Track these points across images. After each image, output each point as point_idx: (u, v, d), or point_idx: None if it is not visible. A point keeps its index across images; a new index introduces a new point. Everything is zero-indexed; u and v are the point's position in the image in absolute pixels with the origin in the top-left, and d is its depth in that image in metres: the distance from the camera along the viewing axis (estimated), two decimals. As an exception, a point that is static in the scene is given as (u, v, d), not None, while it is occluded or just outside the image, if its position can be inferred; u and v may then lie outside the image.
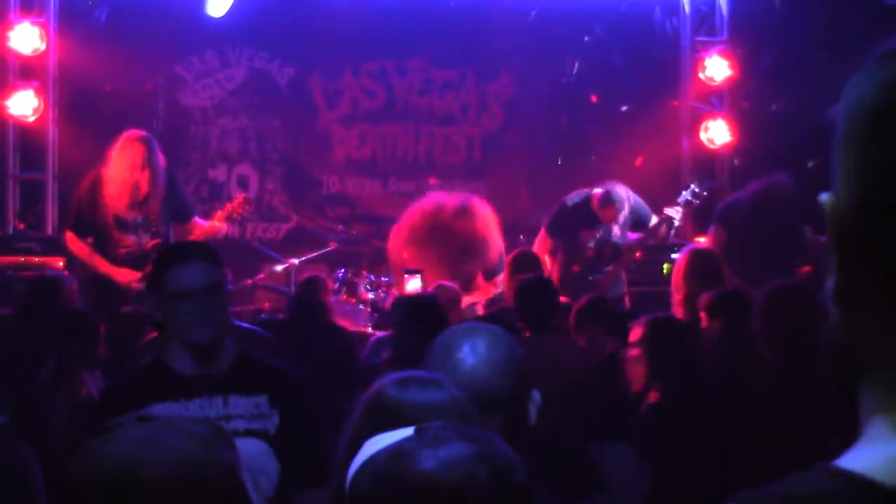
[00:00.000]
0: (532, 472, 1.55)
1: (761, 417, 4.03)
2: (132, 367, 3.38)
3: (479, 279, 7.29)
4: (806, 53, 8.48)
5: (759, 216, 6.81)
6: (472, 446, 1.48)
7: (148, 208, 6.54)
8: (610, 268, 7.11)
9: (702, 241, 7.27)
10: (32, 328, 4.94)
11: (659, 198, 7.38)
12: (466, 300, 7.03)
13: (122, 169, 6.49)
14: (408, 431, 1.55)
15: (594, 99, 9.99)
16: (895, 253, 0.77)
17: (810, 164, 8.25)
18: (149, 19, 9.03)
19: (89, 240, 6.59)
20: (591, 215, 7.17)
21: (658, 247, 7.31)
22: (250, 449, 2.98)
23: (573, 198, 7.34)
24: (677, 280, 5.58)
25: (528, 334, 5.00)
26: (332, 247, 8.42)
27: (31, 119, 8.21)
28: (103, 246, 6.55)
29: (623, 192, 7.16)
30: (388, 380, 1.94)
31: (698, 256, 5.68)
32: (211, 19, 8.89)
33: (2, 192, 8.36)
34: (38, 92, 8.19)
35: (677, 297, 5.50)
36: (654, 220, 7.16)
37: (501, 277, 7.17)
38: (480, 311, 6.86)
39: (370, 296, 7.63)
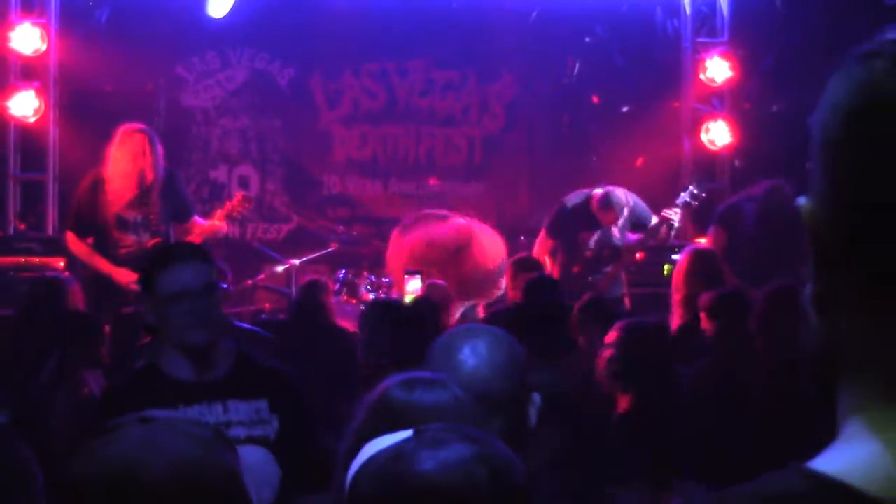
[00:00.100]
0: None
1: (758, 418, 4.03)
2: (128, 371, 3.29)
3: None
4: (807, 55, 8.47)
5: (766, 218, 6.82)
6: (472, 448, 1.48)
7: (150, 202, 6.54)
8: (609, 269, 7.11)
9: (702, 241, 7.28)
10: (33, 329, 4.94)
11: (659, 198, 7.38)
12: (467, 302, 7.04)
13: (125, 161, 6.50)
14: (407, 433, 1.55)
15: (595, 100, 9.99)
16: (873, 254, 0.77)
17: (811, 165, 8.24)
18: (150, 20, 9.03)
19: (89, 240, 6.59)
20: (591, 216, 7.17)
21: (659, 248, 7.31)
22: (251, 457, 2.94)
23: (573, 199, 7.34)
24: (678, 280, 5.58)
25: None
26: (332, 247, 8.42)
27: (32, 119, 8.21)
28: (103, 246, 6.55)
29: (623, 196, 7.16)
30: (393, 381, 1.94)
31: (700, 257, 5.68)
32: (212, 20, 8.90)
33: (2, 193, 8.36)
34: (39, 92, 8.19)
35: (677, 297, 5.50)
36: (653, 221, 7.16)
37: (503, 281, 7.18)
38: (481, 312, 6.87)
39: (371, 296, 7.63)
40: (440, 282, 6.84)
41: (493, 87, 10.07)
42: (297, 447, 3.03)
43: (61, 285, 5.45)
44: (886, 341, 0.77)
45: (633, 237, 7.21)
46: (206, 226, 6.84)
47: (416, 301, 6.04)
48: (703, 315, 4.79)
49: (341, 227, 8.97)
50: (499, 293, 7.22)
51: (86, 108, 8.68)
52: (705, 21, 9.00)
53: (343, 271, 7.84)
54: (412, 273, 7.04)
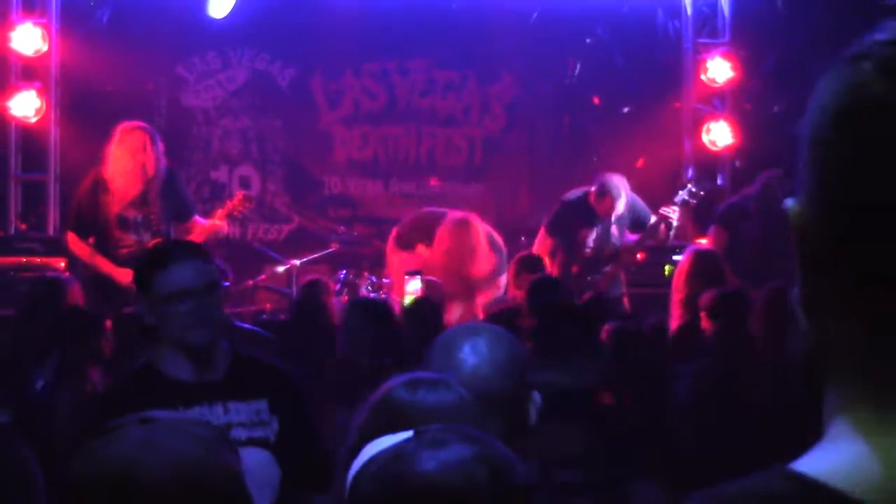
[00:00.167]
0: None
1: (757, 418, 4.03)
2: (125, 372, 3.22)
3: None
4: (808, 55, 8.47)
5: (765, 216, 6.82)
6: (472, 448, 1.48)
7: (151, 201, 6.54)
8: (608, 268, 7.10)
9: (702, 242, 7.27)
10: (34, 329, 4.94)
11: (660, 199, 7.37)
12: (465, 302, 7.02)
13: (125, 158, 6.51)
14: (408, 433, 1.55)
15: (596, 100, 9.98)
16: (860, 255, 0.77)
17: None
18: (150, 20, 9.03)
19: (90, 240, 6.59)
20: (590, 212, 7.17)
21: (659, 248, 7.30)
22: (253, 459, 2.91)
23: (571, 196, 7.35)
24: (679, 281, 5.58)
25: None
26: (333, 248, 8.42)
27: (33, 120, 8.21)
28: (104, 246, 6.55)
29: (619, 182, 7.15)
30: (396, 382, 1.93)
31: (702, 258, 5.68)
32: (212, 20, 8.90)
33: (4, 193, 8.36)
34: (40, 93, 8.19)
35: (678, 297, 5.50)
36: (652, 220, 7.16)
37: (503, 280, 7.16)
38: (480, 313, 6.85)
39: (372, 297, 7.62)
40: (436, 279, 6.85)
41: (493, 87, 10.07)
42: (297, 448, 3.01)
43: (61, 285, 5.45)
44: (873, 343, 0.77)
45: (632, 237, 7.21)
46: (207, 225, 6.84)
47: (417, 301, 6.04)
48: (703, 315, 4.80)
49: (342, 228, 8.97)
50: (498, 292, 7.19)
51: (87, 109, 8.68)
52: (706, 22, 9.00)
53: (344, 272, 7.84)
54: (412, 273, 7.03)
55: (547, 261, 7.13)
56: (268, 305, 8.13)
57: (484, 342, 2.17)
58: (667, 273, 7.04)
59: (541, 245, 7.28)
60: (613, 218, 7.16)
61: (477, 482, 1.44)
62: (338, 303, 7.33)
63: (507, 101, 10.07)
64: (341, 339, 4.78)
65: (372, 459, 1.53)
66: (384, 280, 7.60)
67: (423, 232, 7.20)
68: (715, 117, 8.89)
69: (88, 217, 6.57)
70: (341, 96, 9.95)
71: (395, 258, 7.31)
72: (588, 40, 9.72)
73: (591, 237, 7.19)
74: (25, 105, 8.16)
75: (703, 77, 8.85)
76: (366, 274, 7.84)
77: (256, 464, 2.93)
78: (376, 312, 4.79)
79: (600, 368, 3.73)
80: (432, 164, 10.01)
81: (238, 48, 9.71)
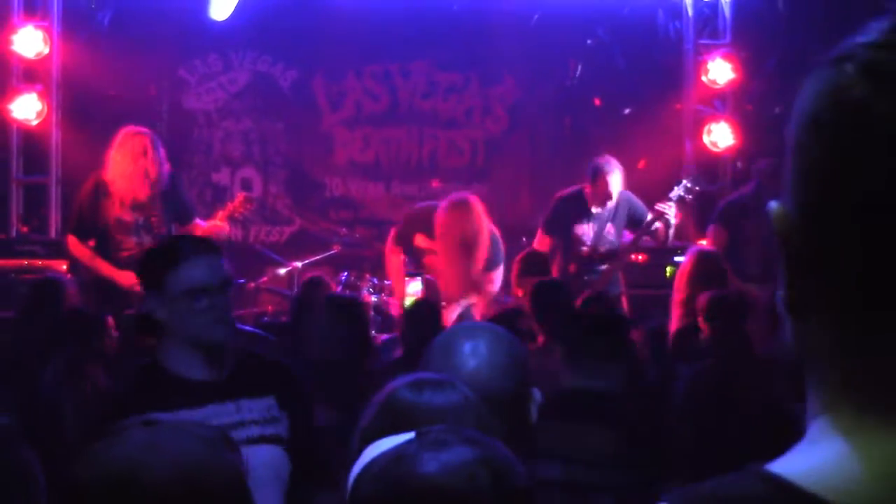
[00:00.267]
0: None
1: (756, 419, 4.03)
2: (132, 372, 3.15)
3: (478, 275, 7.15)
4: (809, 56, 8.46)
5: (763, 214, 6.81)
6: (473, 450, 1.48)
7: (152, 204, 6.55)
8: (604, 267, 7.08)
9: (703, 243, 7.27)
10: (34, 330, 4.95)
11: (661, 201, 7.36)
12: (463, 302, 7.00)
13: (126, 163, 6.52)
14: (410, 435, 1.55)
15: (597, 102, 9.99)
16: (837, 257, 0.77)
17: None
18: (152, 23, 9.04)
19: (91, 243, 6.60)
20: (584, 206, 7.16)
21: (661, 250, 7.30)
22: (268, 456, 2.91)
23: (565, 192, 7.36)
24: (681, 281, 5.58)
25: (541, 339, 5.01)
26: (335, 250, 8.42)
27: (35, 123, 8.22)
28: (105, 249, 6.56)
29: (612, 161, 7.15)
30: (401, 382, 1.93)
31: (704, 259, 5.68)
32: (214, 22, 8.90)
33: (5, 196, 8.36)
34: (42, 95, 8.20)
35: (679, 297, 5.49)
36: (648, 217, 7.14)
37: (498, 272, 7.11)
38: (478, 315, 6.83)
39: (373, 299, 7.62)
40: (439, 268, 6.84)
41: (495, 89, 10.07)
42: (303, 443, 3.00)
43: (60, 285, 5.44)
44: (850, 343, 0.78)
45: (630, 236, 7.20)
46: (208, 227, 6.84)
47: (416, 302, 6.04)
48: (700, 318, 4.80)
49: (344, 230, 8.97)
50: (493, 286, 7.12)
51: (88, 111, 8.69)
52: (707, 23, 8.99)
53: (345, 273, 7.84)
54: (412, 275, 7.03)
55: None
56: (269, 308, 8.13)
57: (484, 343, 2.17)
58: (668, 274, 7.03)
59: (539, 245, 7.26)
60: (611, 202, 7.10)
61: (478, 484, 1.44)
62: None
63: (509, 102, 10.08)
64: (317, 337, 4.79)
65: (373, 461, 1.53)
66: (386, 282, 7.60)
67: (421, 224, 7.17)
68: (716, 118, 8.88)
69: (89, 220, 6.58)
70: (343, 98, 9.96)
71: (395, 259, 7.29)
72: (589, 42, 9.72)
73: (588, 236, 7.17)
74: (27, 108, 8.16)
75: (703, 78, 8.85)
76: (367, 276, 7.83)
77: (272, 460, 2.92)
78: (348, 310, 4.80)
79: (632, 371, 3.77)
80: (434, 165, 10.02)
81: (240, 50, 9.72)
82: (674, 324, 5.47)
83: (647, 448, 3.45)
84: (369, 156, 9.98)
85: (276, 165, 9.88)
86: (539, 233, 7.35)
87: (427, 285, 6.87)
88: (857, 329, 0.77)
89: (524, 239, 8.18)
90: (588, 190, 7.16)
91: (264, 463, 2.90)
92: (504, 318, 4.95)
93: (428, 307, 5.53)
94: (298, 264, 8.04)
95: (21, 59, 8.22)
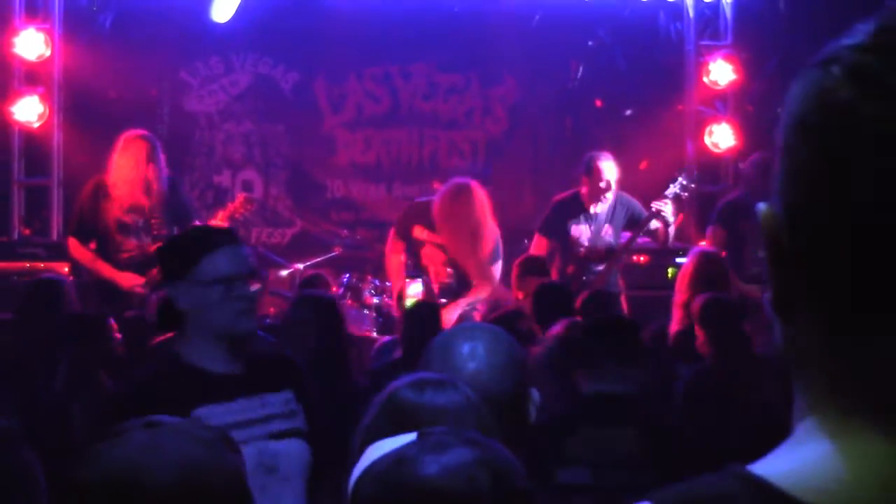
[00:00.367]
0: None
1: (756, 418, 4.03)
2: (153, 364, 3.09)
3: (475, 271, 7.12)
4: (810, 57, 8.46)
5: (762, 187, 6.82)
6: (474, 452, 1.48)
7: (153, 206, 6.57)
8: (601, 267, 7.08)
9: (703, 244, 7.27)
10: (33, 331, 4.94)
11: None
12: (463, 301, 6.99)
13: (128, 168, 6.53)
14: (411, 436, 1.55)
15: (598, 103, 9.98)
16: (820, 257, 0.77)
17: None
18: (153, 25, 9.04)
19: (92, 245, 6.61)
20: (580, 208, 7.16)
21: (662, 251, 7.30)
22: (295, 450, 2.91)
23: (561, 195, 7.38)
24: (682, 283, 5.57)
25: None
26: (336, 251, 8.42)
27: (36, 125, 8.23)
28: (105, 250, 6.57)
29: (601, 153, 7.17)
30: (402, 382, 1.93)
31: (706, 260, 5.68)
32: (215, 25, 8.91)
33: (7, 198, 8.37)
34: (43, 98, 8.21)
35: (680, 299, 5.49)
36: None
37: (497, 266, 7.10)
38: (478, 316, 6.82)
39: (375, 300, 7.63)
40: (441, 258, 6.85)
41: (496, 90, 10.07)
42: (322, 437, 3.00)
43: (58, 286, 5.44)
44: (834, 343, 0.78)
45: (628, 236, 7.20)
46: (209, 229, 6.84)
47: (417, 303, 6.04)
48: (695, 324, 4.80)
49: (345, 231, 8.97)
50: (489, 287, 7.09)
51: (90, 113, 8.70)
52: (708, 24, 8.99)
53: (347, 275, 7.84)
54: (413, 277, 7.03)
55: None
56: (271, 310, 8.12)
57: (483, 344, 2.17)
58: (670, 276, 7.02)
59: (536, 248, 7.25)
60: (610, 195, 7.10)
61: (479, 486, 1.44)
62: (341, 306, 7.33)
63: (510, 103, 10.08)
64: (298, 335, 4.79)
65: (374, 463, 1.54)
66: (387, 283, 7.60)
67: (419, 216, 7.16)
68: (717, 119, 8.89)
69: (90, 222, 6.59)
70: (344, 100, 9.96)
71: (395, 258, 7.27)
72: (590, 43, 9.72)
73: (585, 237, 7.17)
74: (28, 110, 8.17)
75: (705, 79, 8.85)
76: (369, 277, 7.84)
77: (298, 455, 2.93)
78: (320, 307, 4.80)
79: (648, 373, 3.79)
80: (435, 167, 10.01)
81: (241, 52, 9.72)
82: (674, 325, 5.47)
83: (673, 446, 3.47)
84: (370, 157, 9.99)
85: (278, 167, 9.89)
86: (536, 236, 7.35)
87: (427, 287, 6.87)
88: (844, 331, 0.77)
89: (526, 241, 8.18)
90: (585, 190, 7.16)
91: (291, 456, 2.90)
92: (504, 319, 4.95)
93: (428, 308, 5.54)
94: (300, 266, 8.04)
95: (23, 61, 8.23)
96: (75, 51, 8.52)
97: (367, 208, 9.91)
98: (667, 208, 6.90)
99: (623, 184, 7.34)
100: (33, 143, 8.41)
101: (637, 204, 7.24)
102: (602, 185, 7.06)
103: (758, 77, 9.17)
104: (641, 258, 7.36)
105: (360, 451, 1.75)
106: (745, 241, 7.03)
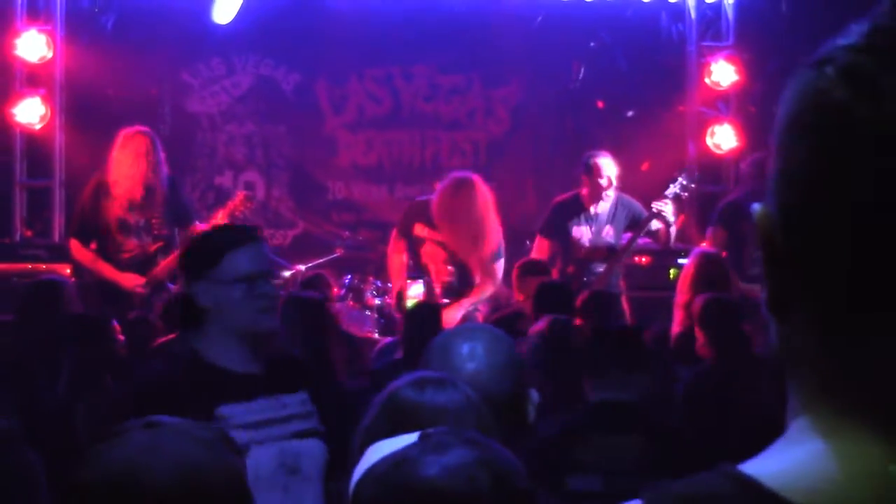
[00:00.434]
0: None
1: (756, 418, 4.03)
2: (169, 365, 3.04)
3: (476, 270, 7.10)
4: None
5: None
6: (474, 452, 1.48)
7: (153, 205, 6.57)
8: (601, 268, 7.08)
9: (704, 245, 7.27)
10: (35, 333, 4.94)
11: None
12: (466, 301, 6.98)
13: (128, 163, 6.53)
14: (412, 437, 1.55)
15: (600, 104, 9.98)
16: (814, 257, 0.78)
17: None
18: (155, 26, 9.05)
19: (93, 245, 6.62)
20: (581, 209, 7.16)
21: (664, 251, 7.29)
22: (315, 450, 2.91)
23: (561, 197, 7.38)
24: (684, 284, 5.57)
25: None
26: (338, 253, 8.42)
27: (38, 126, 8.24)
28: (106, 251, 6.58)
29: (599, 151, 7.17)
30: (403, 382, 1.93)
31: (707, 261, 5.68)
32: (217, 26, 8.92)
33: (9, 199, 8.38)
34: (45, 99, 8.22)
35: (681, 300, 5.49)
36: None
37: (500, 264, 7.09)
38: (480, 317, 6.82)
39: (377, 301, 7.63)
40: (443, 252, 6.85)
41: (497, 91, 10.07)
42: (337, 437, 2.98)
43: (58, 287, 5.43)
44: (827, 343, 0.78)
45: (628, 236, 7.19)
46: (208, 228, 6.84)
47: (418, 305, 6.04)
48: (695, 325, 4.80)
49: (347, 233, 8.97)
50: (493, 285, 7.08)
51: (92, 115, 8.70)
52: (710, 25, 8.99)
53: (349, 276, 7.84)
54: (414, 278, 7.03)
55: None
56: (273, 311, 8.12)
57: (482, 345, 2.18)
58: (671, 276, 7.02)
59: (538, 250, 7.25)
60: (611, 192, 7.10)
61: (479, 487, 1.44)
62: (343, 308, 7.34)
63: (512, 104, 10.08)
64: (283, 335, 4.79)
65: (375, 464, 1.54)
66: (389, 284, 7.60)
67: (420, 214, 7.15)
68: (719, 120, 8.88)
69: (91, 221, 6.59)
70: (346, 101, 9.96)
71: (397, 258, 7.26)
72: (592, 44, 9.72)
73: (586, 237, 7.16)
74: (30, 112, 8.18)
75: (707, 80, 8.85)
76: (371, 279, 7.84)
77: (318, 455, 2.92)
78: (308, 308, 4.81)
79: (654, 379, 3.81)
80: (437, 168, 10.00)
81: (242, 54, 9.73)
82: (676, 326, 5.46)
83: (680, 450, 3.48)
84: (372, 158, 9.99)
85: (279, 168, 9.89)
86: (537, 238, 7.35)
87: (428, 288, 6.87)
88: (838, 331, 0.77)
89: (528, 242, 8.18)
90: (585, 191, 7.16)
91: (312, 456, 2.90)
92: (504, 320, 4.96)
93: (428, 309, 5.54)
94: (302, 267, 8.04)
95: (24, 63, 8.24)
96: (77, 52, 8.53)
97: (368, 209, 9.91)
98: (667, 209, 6.89)
99: (624, 185, 7.33)
100: (35, 144, 8.42)
101: (638, 205, 7.24)
102: (602, 182, 7.05)
103: (760, 78, 9.16)
104: (643, 259, 7.36)
105: (361, 452, 1.75)
106: (745, 241, 7.02)
